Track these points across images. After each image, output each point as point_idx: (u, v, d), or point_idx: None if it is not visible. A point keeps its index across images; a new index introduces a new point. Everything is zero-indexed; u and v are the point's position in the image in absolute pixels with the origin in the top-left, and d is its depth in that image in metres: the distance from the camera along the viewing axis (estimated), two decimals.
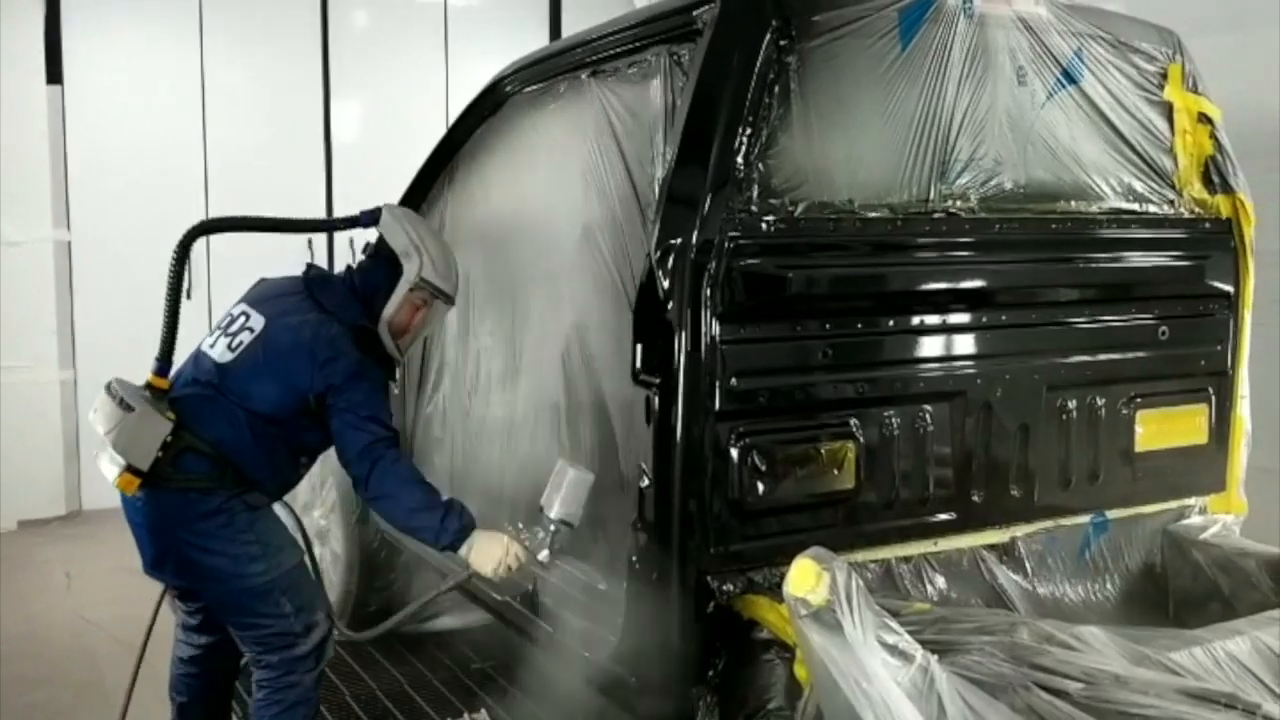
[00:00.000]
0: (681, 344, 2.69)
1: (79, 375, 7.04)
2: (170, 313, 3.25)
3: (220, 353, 3.18)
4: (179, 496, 3.08)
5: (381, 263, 3.34)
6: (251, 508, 3.15)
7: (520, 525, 3.29)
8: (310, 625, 3.20)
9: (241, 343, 3.18)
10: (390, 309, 3.29)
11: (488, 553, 3.06)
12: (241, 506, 3.12)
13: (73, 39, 6.95)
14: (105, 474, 3.08)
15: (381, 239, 3.37)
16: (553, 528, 3.07)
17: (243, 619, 3.19)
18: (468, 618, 4.78)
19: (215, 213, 7.01)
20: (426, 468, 3.62)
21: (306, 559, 3.39)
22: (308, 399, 3.11)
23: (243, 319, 3.24)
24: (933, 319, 3.01)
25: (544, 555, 3.08)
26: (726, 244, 2.69)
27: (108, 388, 3.13)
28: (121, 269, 6.94)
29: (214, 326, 3.33)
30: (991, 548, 3.19)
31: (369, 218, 3.42)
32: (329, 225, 3.35)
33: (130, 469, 3.00)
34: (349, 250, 6.43)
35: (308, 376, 3.09)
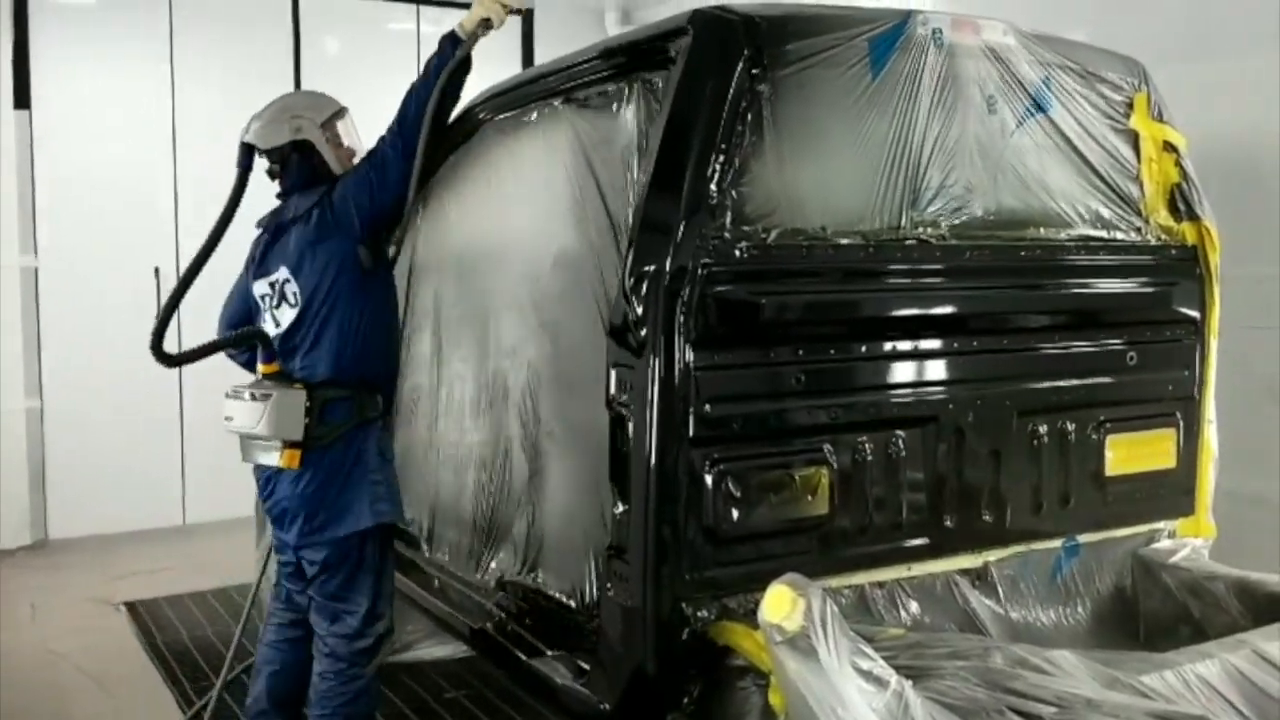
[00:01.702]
0: (655, 370, 2.69)
1: (45, 404, 6.96)
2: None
3: (285, 319, 3.40)
4: (336, 449, 3.33)
5: (291, 158, 3.49)
6: (384, 458, 3.44)
7: None
8: (379, 616, 3.42)
9: (289, 295, 3.39)
10: (335, 167, 3.49)
11: (476, 12, 3.38)
12: (376, 451, 3.40)
13: (41, 64, 6.90)
14: (268, 462, 3.34)
15: (269, 151, 3.50)
16: None
17: (339, 590, 3.37)
18: (441, 648, 4.75)
19: (185, 239, 6.99)
20: (404, 492, 3.62)
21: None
22: (356, 252, 3.34)
23: (274, 287, 3.43)
24: (905, 345, 3.04)
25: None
26: (700, 270, 2.70)
27: (230, 394, 3.40)
28: (89, 296, 6.88)
29: (260, 314, 3.50)
30: (964, 572, 3.20)
31: (246, 159, 3.53)
32: (234, 203, 3.51)
33: (289, 444, 3.27)
34: None
35: (344, 239, 3.34)
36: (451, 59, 3.35)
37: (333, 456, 3.33)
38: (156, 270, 6.95)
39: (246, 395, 3.33)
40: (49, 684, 4.84)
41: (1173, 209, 3.51)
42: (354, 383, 3.35)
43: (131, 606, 5.73)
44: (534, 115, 3.61)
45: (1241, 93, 4.31)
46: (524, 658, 3.27)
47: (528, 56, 8.28)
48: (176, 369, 3.38)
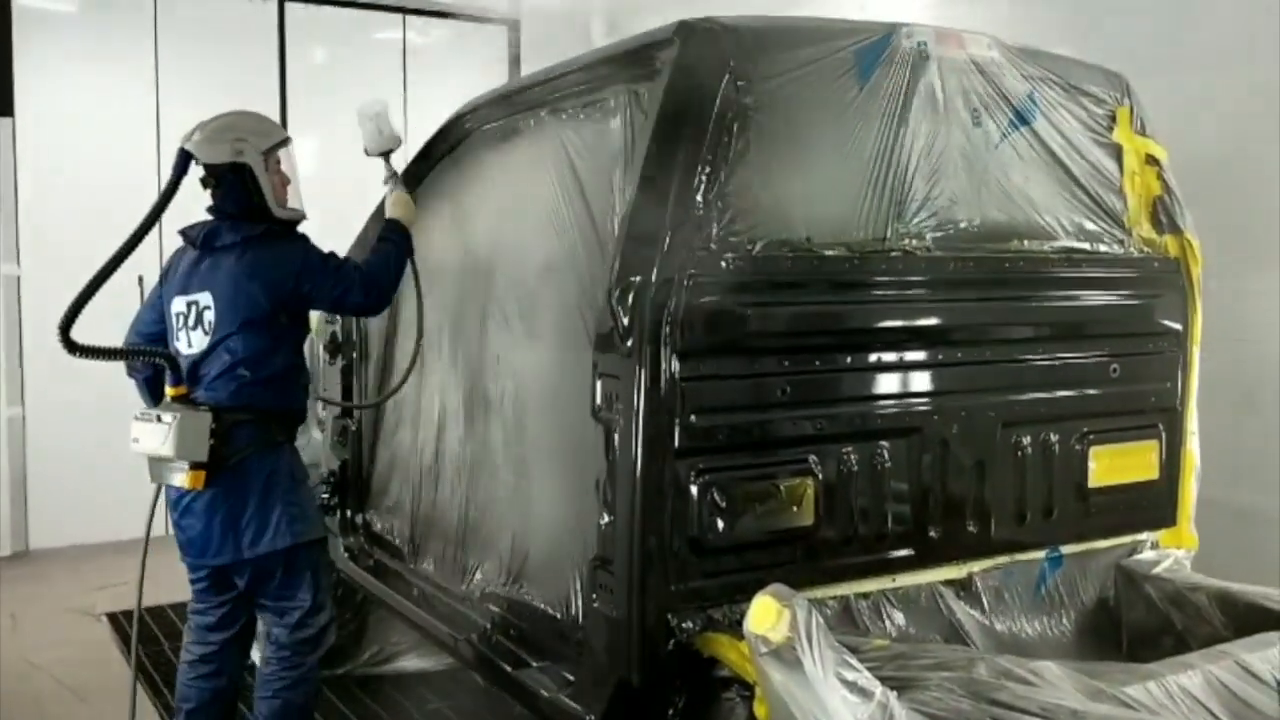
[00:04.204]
0: (641, 381, 2.69)
1: (27, 412, 6.92)
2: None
3: (197, 344, 3.48)
4: (248, 470, 3.44)
5: (225, 177, 3.53)
6: (295, 479, 3.57)
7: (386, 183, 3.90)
8: (321, 606, 3.61)
9: (205, 322, 3.46)
10: (269, 196, 3.55)
11: (407, 211, 3.78)
12: (288, 473, 3.53)
13: (24, 71, 6.88)
14: (174, 483, 3.43)
15: (207, 165, 3.54)
16: (385, 171, 3.88)
17: (279, 591, 3.55)
18: (425, 660, 4.73)
19: (168, 250, 6.94)
20: (388, 503, 3.62)
21: None
22: (279, 308, 3.47)
23: (192, 308, 3.50)
24: (890, 356, 3.04)
25: (393, 188, 3.82)
26: (686, 281, 2.70)
27: (137, 417, 3.46)
28: None
29: (173, 329, 3.56)
30: (949, 583, 3.21)
31: (182, 164, 3.54)
32: (162, 206, 3.48)
33: (194, 465, 3.35)
34: None
35: (272, 293, 3.44)
36: (407, 243, 3.71)
37: (243, 478, 3.43)
38: (140, 279, 6.87)
39: (153, 417, 3.40)
40: (28, 695, 4.80)
41: (1155, 222, 3.53)
42: (258, 410, 3.47)
43: (112, 617, 5.69)
44: (520, 125, 3.61)
45: (1225, 105, 4.34)
46: (509, 669, 3.26)
47: (514, 66, 8.29)
48: (82, 359, 3.35)
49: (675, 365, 2.70)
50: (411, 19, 7.97)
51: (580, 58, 3.38)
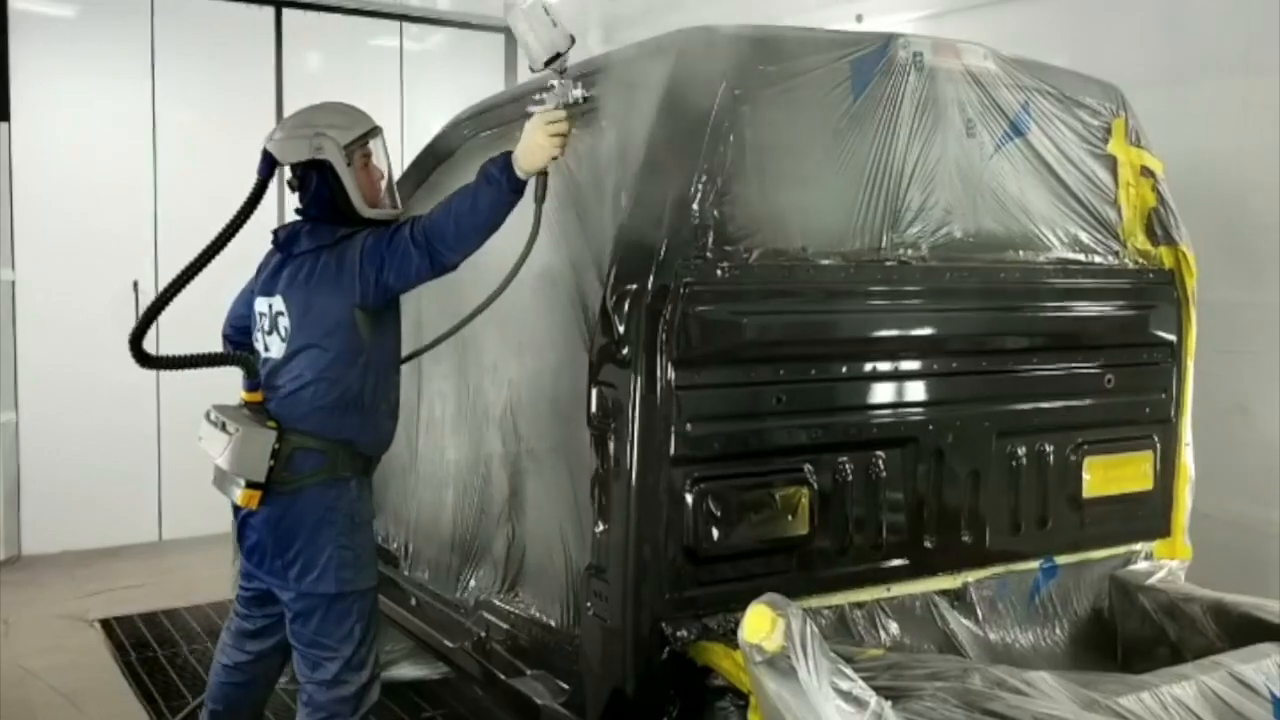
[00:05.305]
0: (636, 389, 2.69)
1: (21, 417, 6.90)
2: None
3: (275, 350, 3.24)
4: (305, 500, 3.17)
5: (310, 177, 3.25)
6: (355, 521, 3.23)
7: (535, 99, 3.12)
8: (361, 663, 3.25)
9: (280, 329, 3.23)
10: (355, 196, 3.23)
11: (533, 152, 3.02)
12: (347, 513, 3.21)
13: (20, 75, 6.87)
14: (231, 497, 3.20)
15: (292, 165, 3.27)
16: (553, 82, 3.04)
17: (315, 636, 3.22)
18: (420, 668, 4.72)
19: (164, 255, 6.96)
20: (383, 510, 3.57)
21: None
22: (353, 314, 3.14)
23: (272, 310, 3.26)
24: (885, 366, 3.05)
25: (576, 94, 3.02)
26: (682, 290, 2.71)
27: (207, 416, 3.25)
28: (67, 310, 6.84)
29: (255, 329, 3.34)
30: (944, 593, 3.21)
31: (266, 166, 3.28)
32: (247, 211, 3.20)
33: (250, 484, 3.11)
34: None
35: (343, 299, 3.13)
36: (503, 197, 3.06)
37: (300, 507, 3.16)
38: (135, 284, 6.92)
39: (220, 423, 3.19)
40: (21, 701, 4.78)
41: (1150, 233, 3.55)
42: (331, 438, 3.18)
43: (106, 623, 5.67)
44: (517, 133, 3.60)
45: (1221, 117, 4.35)
46: (503, 677, 3.26)
47: (511, 74, 8.30)
48: (154, 371, 3.07)
49: (671, 373, 2.71)
50: (408, 26, 7.97)
51: (576, 66, 3.38)
